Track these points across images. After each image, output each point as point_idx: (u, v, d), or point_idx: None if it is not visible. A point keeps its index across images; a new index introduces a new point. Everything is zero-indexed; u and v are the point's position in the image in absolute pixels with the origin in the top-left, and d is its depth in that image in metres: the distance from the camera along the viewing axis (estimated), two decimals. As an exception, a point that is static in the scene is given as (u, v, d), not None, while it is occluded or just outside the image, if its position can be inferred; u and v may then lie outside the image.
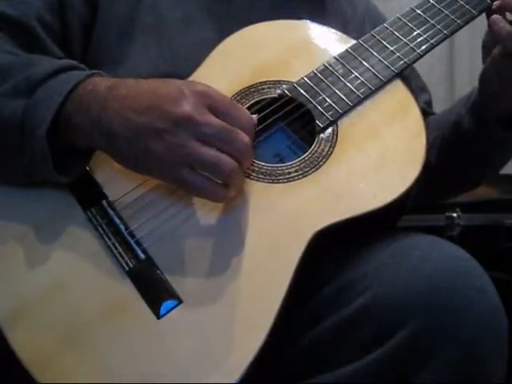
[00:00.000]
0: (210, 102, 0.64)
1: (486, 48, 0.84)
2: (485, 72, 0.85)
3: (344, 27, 0.86)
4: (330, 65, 0.79)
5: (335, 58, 0.80)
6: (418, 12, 0.83)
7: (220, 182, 0.65)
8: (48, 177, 0.67)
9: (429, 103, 1.00)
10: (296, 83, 0.78)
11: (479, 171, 0.95)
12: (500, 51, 0.80)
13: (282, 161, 0.75)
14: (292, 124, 0.78)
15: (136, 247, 0.67)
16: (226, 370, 0.61)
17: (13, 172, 0.69)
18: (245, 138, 0.64)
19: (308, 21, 0.86)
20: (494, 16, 0.79)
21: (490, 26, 0.79)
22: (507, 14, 0.81)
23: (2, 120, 0.67)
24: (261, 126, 0.75)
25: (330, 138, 0.75)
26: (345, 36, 0.84)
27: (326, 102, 0.76)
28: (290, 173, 0.72)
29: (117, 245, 0.67)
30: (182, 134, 0.63)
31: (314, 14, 0.86)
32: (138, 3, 0.82)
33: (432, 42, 0.81)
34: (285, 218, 0.69)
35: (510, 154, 0.93)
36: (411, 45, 0.80)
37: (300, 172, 0.72)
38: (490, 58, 0.82)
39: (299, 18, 0.86)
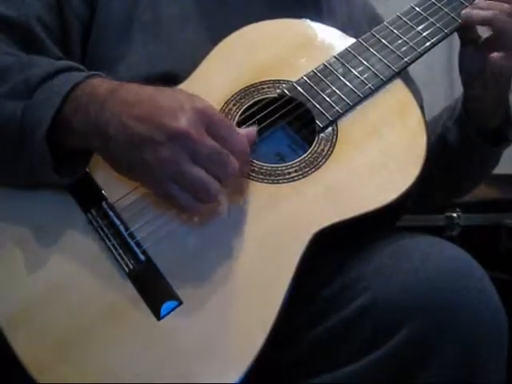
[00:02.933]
0: (209, 121, 0.64)
1: (467, 71, 0.84)
2: (472, 91, 0.85)
3: (341, 28, 0.86)
4: (329, 64, 0.79)
5: (335, 57, 0.80)
6: (418, 10, 0.83)
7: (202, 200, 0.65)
8: (48, 178, 0.67)
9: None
10: (296, 83, 0.78)
11: (460, 183, 0.95)
12: (495, 75, 0.80)
13: (282, 160, 0.75)
14: (292, 123, 0.78)
15: (136, 248, 0.67)
16: (226, 370, 0.61)
17: (13, 173, 0.69)
18: (235, 164, 0.64)
19: (308, 19, 0.85)
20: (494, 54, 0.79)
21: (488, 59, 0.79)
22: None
23: (1, 121, 0.66)
24: (261, 126, 0.74)
25: (330, 138, 0.74)
26: (344, 35, 0.84)
27: (326, 101, 0.76)
28: (290, 173, 0.72)
29: (117, 246, 0.67)
30: (176, 148, 0.62)
31: (309, 16, 0.86)
32: (135, 1, 0.82)
33: (432, 40, 0.80)
34: (285, 218, 0.69)
35: (490, 168, 0.94)
36: (411, 43, 0.80)
37: (300, 172, 0.72)
38: (483, 79, 0.82)
39: (297, 17, 0.85)
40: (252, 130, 0.71)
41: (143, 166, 0.64)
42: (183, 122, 0.63)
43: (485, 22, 0.80)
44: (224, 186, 0.65)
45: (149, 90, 0.66)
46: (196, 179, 0.63)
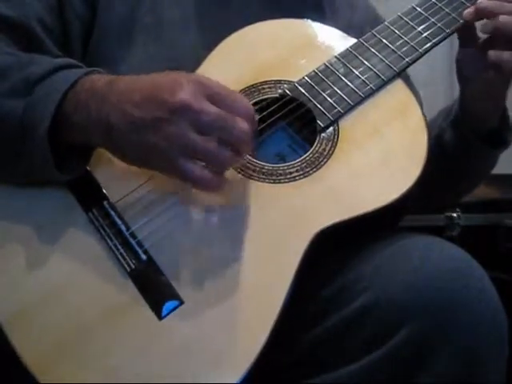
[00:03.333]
0: (207, 90, 0.64)
1: (467, 72, 0.84)
2: (470, 92, 0.85)
3: (343, 31, 0.86)
4: (330, 64, 0.79)
5: (336, 57, 0.80)
6: (419, 10, 0.83)
7: (216, 170, 0.65)
8: (49, 175, 0.67)
9: None
10: (297, 83, 0.78)
11: (458, 184, 0.95)
12: (496, 76, 0.80)
13: (283, 160, 0.75)
14: (293, 123, 0.78)
15: (137, 248, 0.67)
16: (227, 371, 0.61)
17: (13, 171, 0.69)
18: (243, 124, 0.64)
19: (308, 20, 0.86)
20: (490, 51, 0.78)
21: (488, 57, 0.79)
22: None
23: (1, 119, 0.66)
24: (262, 126, 0.75)
25: (332, 138, 0.75)
26: (345, 35, 0.84)
27: (327, 101, 0.76)
28: (291, 173, 0.72)
29: (118, 246, 0.67)
30: (180, 122, 0.62)
31: (312, 18, 0.86)
32: (137, 4, 0.82)
33: (433, 40, 0.80)
34: (286, 218, 0.69)
35: (488, 169, 0.94)
36: (412, 43, 0.80)
37: (301, 172, 0.72)
38: (482, 80, 0.82)
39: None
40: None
41: (149, 147, 0.63)
42: (181, 94, 0.62)
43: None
44: (241, 148, 0.65)
45: (145, 77, 0.67)
46: (204, 148, 0.63)
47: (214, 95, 0.64)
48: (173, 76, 0.65)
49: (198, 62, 0.79)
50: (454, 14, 0.82)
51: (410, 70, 0.85)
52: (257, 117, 0.70)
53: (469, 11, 0.81)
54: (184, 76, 0.65)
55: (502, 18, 0.77)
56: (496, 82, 0.82)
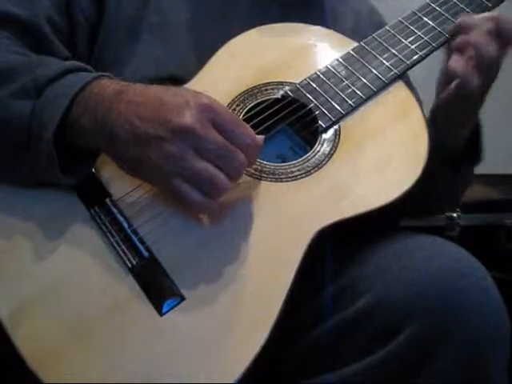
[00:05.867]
0: (215, 116, 0.64)
1: (441, 85, 0.83)
2: (434, 111, 0.85)
3: (347, 35, 0.86)
4: (332, 66, 0.80)
5: (338, 60, 0.81)
6: (419, 15, 0.84)
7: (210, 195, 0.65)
8: (53, 178, 0.67)
9: None
10: (299, 84, 0.79)
11: (427, 204, 0.93)
12: (454, 91, 0.79)
13: (284, 161, 0.76)
14: (294, 125, 0.79)
15: (139, 245, 0.67)
16: (226, 370, 0.61)
17: (18, 172, 0.69)
18: (242, 158, 0.64)
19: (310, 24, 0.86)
20: (454, 57, 0.79)
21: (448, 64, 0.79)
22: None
23: (9, 120, 0.66)
24: (263, 127, 0.75)
25: (333, 139, 0.75)
26: (347, 38, 0.85)
27: (329, 102, 0.77)
28: (292, 172, 0.72)
29: (120, 242, 0.67)
30: (181, 144, 0.63)
31: (315, 23, 0.86)
32: (144, 4, 0.82)
33: (433, 44, 0.82)
34: (287, 216, 0.69)
35: (457, 192, 0.93)
36: (412, 47, 0.81)
37: (303, 171, 0.72)
38: (443, 97, 0.81)
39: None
40: (261, 137, 0.69)
41: (148, 163, 0.64)
42: (188, 117, 0.63)
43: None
44: (233, 180, 0.65)
45: (154, 89, 0.67)
46: (203, 174, 0.63)
47: (221, 122, 0.64)
48: (183, 95, 0.65)
49: (202, 64, 0.80)
50: (453, 19, 0.83)
51: (407, 74, 0.86)
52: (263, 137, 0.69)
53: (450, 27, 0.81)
54: (194, 97, 0.65)
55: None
56: (459, 98, 0.80)
